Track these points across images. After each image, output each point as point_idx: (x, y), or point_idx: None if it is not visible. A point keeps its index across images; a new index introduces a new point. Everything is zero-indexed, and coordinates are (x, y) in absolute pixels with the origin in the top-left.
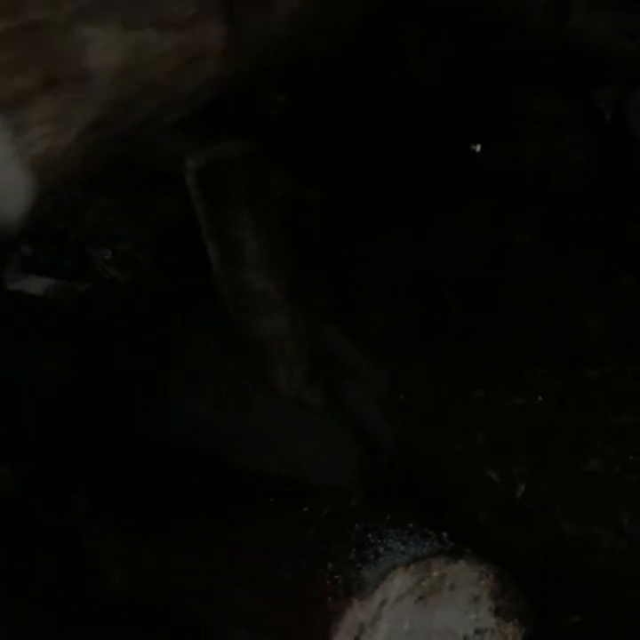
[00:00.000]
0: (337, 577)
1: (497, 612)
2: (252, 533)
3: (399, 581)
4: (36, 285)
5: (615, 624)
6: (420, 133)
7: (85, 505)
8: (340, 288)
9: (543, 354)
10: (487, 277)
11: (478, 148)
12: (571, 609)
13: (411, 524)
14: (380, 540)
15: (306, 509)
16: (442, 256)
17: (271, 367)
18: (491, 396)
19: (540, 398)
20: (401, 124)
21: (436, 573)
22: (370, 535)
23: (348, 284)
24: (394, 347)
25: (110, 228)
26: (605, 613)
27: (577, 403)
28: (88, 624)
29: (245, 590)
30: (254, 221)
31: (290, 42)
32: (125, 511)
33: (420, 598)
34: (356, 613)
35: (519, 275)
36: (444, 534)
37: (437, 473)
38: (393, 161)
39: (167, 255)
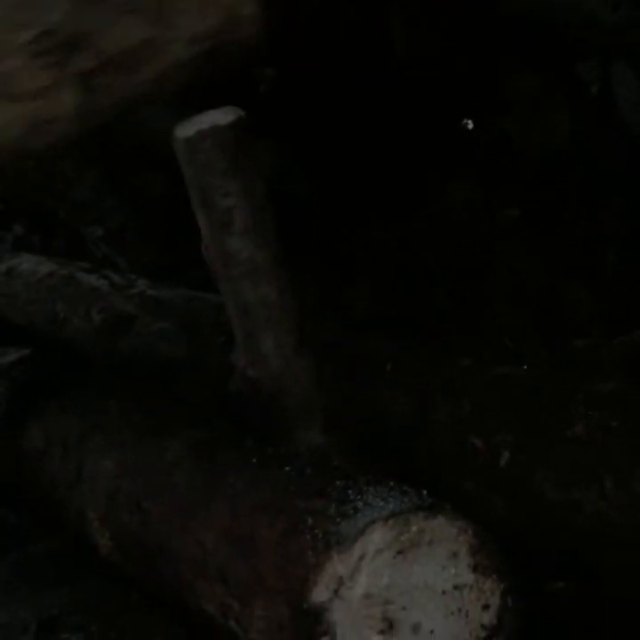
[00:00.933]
0: (317, 531)
1: (475, 568)
2: (231, 491)
3: (378, 536)
4: (29, 263)
5: (598, 588)
6: (405, 108)
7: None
8: (325, 262)
9: (529, 324)
10: (475, 250)
11: (470, 124)
12: (555, 574)
13: (391, 483)
14: (359, 496)
15: (287, 468)
16: (429, 229)
17: (258, 335)
18: (476, 365)
19: (524, 367)
20: (386, 99)
21: (414, 528)
22: (350, 491)
23: (334, 259)
24: (379, 318)
25: (100, 205)
26: (588, 578)
27: (561, 371)
28: (63, 586)
29: (222, 546)
30: (242, 190)
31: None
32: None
33: (399, 553)
34: (336, 567)
35: (506, 248)
36: (424, 492)
37: (422, 441)
38: (379, 136)
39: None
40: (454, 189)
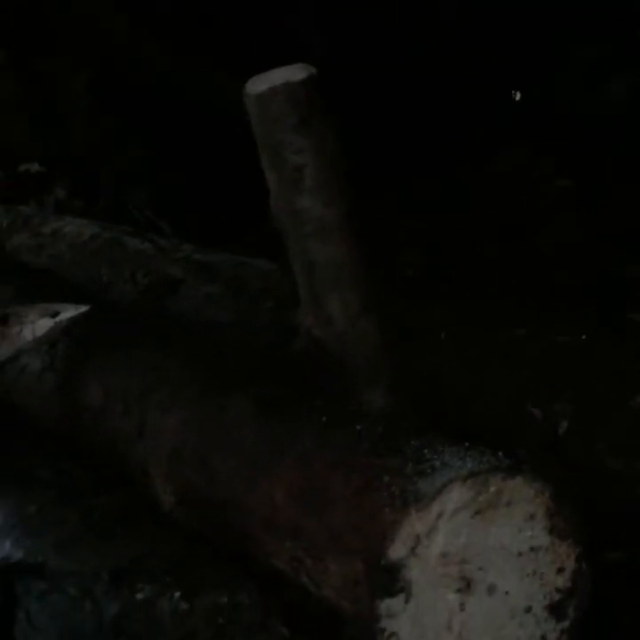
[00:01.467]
0: (393, 489)
1: (551, 531)
2: (301, 447)
3: (456, 495)
4: (73, 226)
5: None
6: (456, 77)
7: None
8: (376, 227)
9: (587, 295)
10: (529, 219)
11: (518, 95)
12: (612, 545)
13: (466, 443)
14: (436, 456)
15: (359, 427)
16: (479, 197)
17: (324, 295)
18: (534, 335)
19: (583, 337)
20: (436, 67)
21: (492, 489)
22: (426, 451)
23: (384, 224)
24: (432, 286)
25: (146, 169)
26: None
27: (621, 342)
28: (131, 537)
29: (293, 502)
30: (313, 147)
31: None
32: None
33: (477, 513)
34: (414, 524)
35: (559, 217)
36: (500, 453)
37: (478, 410)
38: (427, 104)
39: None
40: (505, 158)
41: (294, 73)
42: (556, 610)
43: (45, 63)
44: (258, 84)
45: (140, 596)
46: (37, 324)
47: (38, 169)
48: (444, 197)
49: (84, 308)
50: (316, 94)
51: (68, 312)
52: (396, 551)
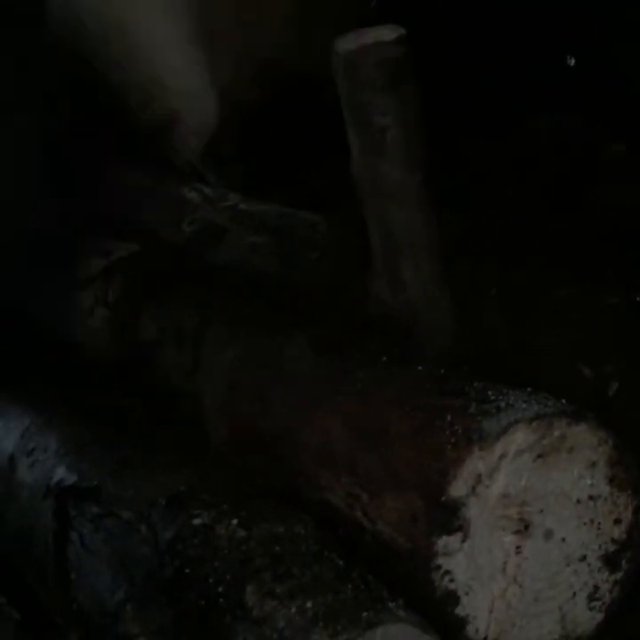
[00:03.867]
0: (456, 427)
1: (611, 481)
2: (360, 385)
3: (520, 436)
4: None
5: None
6: (510, 38)
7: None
8: None
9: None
10: (580, 182)
11: (573, 61)
12: None
13: (529, 388)
14: (501, 397)
15: (420, 368)
16: (529, 159)
17: (399, 260)
18: (585, 294)
19: (637, 298)
20: (491, 28)
21: (556, 433)
22: (490, 392)
23: (431, 183)
24: (482, 244)
25: None
26: None
27: None
28: (187, 467)
29: (351, 438)
30: (399, 110)
31: None
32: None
33: (539, 456)
34: (476, 463)
35: (612, 181)
36: (564, 400)
37: (528, 367)
38: (482, 65)
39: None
40: (555, 119)
41: (384, 33)
42: (610, 560)
43: None
44: (347, 43)
45: (196, 521)
46: (90, 263)
47: None
48: (492, 158)
49: (135, 247)
50: (405, 56)
51: (120, 251)
52: (457, 489)
